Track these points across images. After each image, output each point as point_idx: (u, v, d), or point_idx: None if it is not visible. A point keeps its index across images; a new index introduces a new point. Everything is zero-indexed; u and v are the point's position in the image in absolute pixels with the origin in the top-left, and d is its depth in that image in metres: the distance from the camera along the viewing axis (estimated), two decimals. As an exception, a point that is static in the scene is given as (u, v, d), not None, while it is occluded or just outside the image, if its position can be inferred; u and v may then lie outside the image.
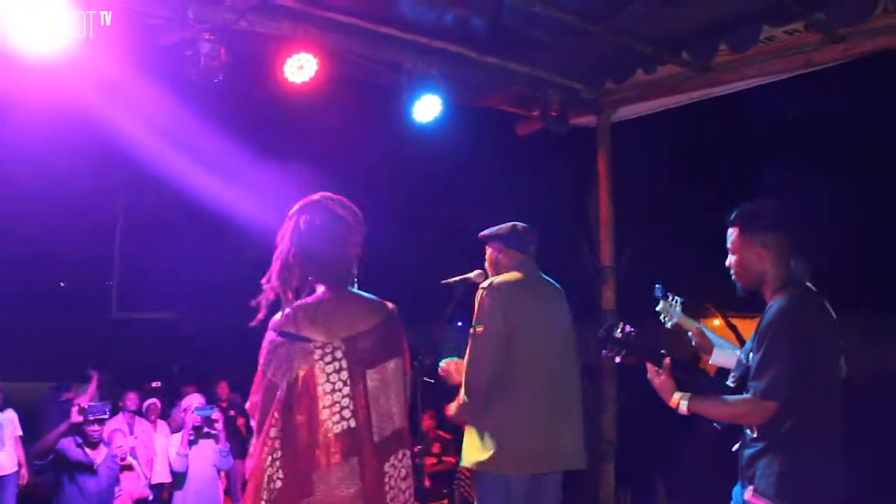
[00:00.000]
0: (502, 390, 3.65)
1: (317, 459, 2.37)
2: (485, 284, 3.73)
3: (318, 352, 2.42)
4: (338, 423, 2.39)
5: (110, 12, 4.10)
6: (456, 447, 9.07)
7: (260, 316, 2.49)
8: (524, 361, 3.66)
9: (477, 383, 3.64)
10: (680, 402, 2.81)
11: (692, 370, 2.98)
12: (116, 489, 5.89)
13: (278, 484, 2.38)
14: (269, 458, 2.39)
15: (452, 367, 3.89)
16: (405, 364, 2.57)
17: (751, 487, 2.15)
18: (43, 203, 14.55)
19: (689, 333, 3.42)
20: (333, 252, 2.50)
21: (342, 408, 2.40)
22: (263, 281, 2.51)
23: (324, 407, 2.39)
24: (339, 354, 2.43)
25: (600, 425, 5.78)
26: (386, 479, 2.44)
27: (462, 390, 3.67)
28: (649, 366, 2.92)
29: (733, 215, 2.90)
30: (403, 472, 2.51)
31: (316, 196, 2.57)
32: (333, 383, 2.41)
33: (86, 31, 3.96)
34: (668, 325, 3.41)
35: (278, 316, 2.49)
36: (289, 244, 2.50)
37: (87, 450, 5.61)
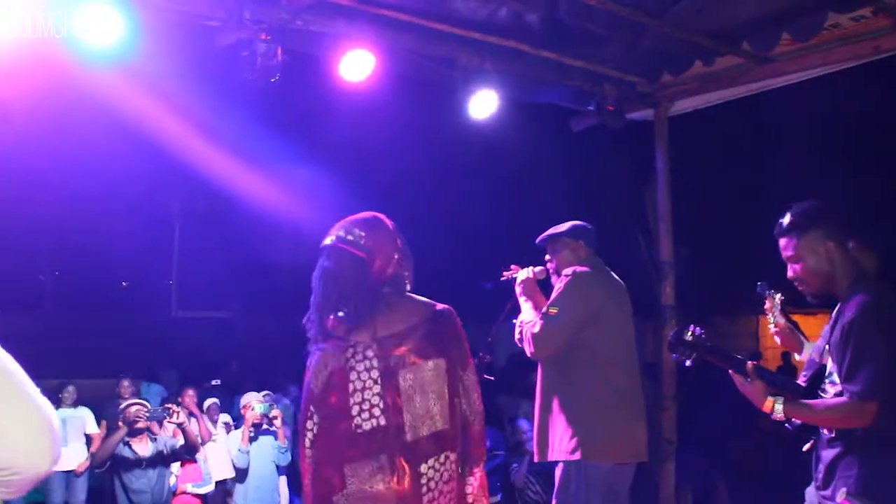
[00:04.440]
0: (585, 379, 3.66)
1: (347, 453, 2.39)
2: (568, 272, 3.76)
3: (350, 350, 2.44)
4: (367, 420, 2.40)
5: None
6: (507, 441, 9.00)
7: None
8: (606, 351, 3.71)
9: (543, 354, 3.71)
10: (775, 406, 2.69)
11: (770, 373, 2.89)
12: (171, 483, 5.94)
13: (308, 480, 2.43)
14: (308, 451, 2.44)
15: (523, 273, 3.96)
16: (454, 365, 2.52)
17: (843, 490, 2.07)
18: (105, 208, 14.97)
19: (773, 328, 3.36)
20: (361, 284, 2.48)
21: (372, 405, 2.40)
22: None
23: (354, 403, 2.40)
24: (370, 353, 2.44)
25: (660, 423, 5.67)
26: (424, 482, 2.40)
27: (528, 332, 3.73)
28: (735, 374, 2.82)
29: (784, 225, 2.79)
30: (446, 475, 2.46)
31: (332, 238, 2.55)
32: (364, 381, 2.41)
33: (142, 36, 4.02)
34: (772, 323, 3.36)
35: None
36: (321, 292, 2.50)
37: (133, 445, 5.64)
